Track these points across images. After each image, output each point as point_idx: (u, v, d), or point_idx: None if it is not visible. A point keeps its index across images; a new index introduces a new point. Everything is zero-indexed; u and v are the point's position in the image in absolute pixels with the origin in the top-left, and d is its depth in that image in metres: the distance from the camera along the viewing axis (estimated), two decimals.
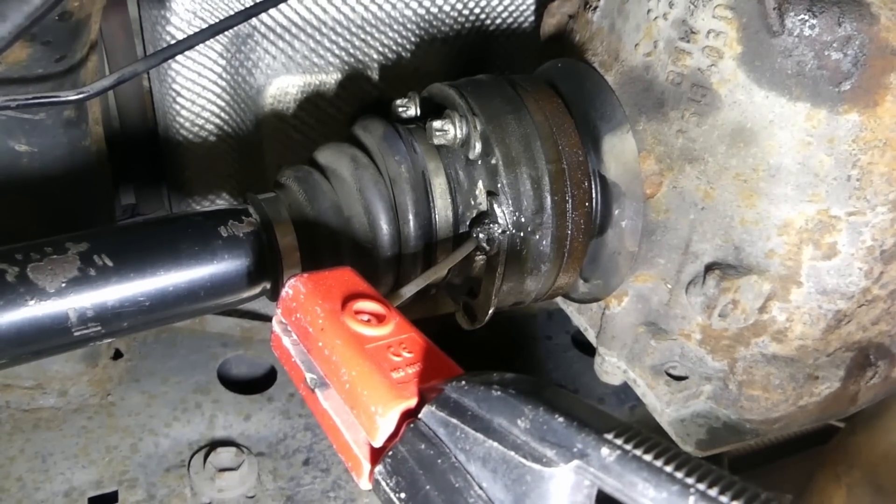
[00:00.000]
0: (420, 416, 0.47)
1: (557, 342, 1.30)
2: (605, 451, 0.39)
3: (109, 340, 0.79)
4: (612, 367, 0.92)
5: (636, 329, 0.88)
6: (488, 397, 0.44)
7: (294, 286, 0.56)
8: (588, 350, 1.27)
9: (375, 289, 0.79)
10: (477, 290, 0.83)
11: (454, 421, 0.45)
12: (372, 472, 0.49)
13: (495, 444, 0.43)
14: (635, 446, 0.39)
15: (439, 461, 0.44)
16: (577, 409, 0.43)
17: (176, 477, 0.99)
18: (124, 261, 0.66)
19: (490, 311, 0.81)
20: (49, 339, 0.64)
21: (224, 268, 0.71)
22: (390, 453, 0.47)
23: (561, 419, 0.42)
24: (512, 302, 0.85)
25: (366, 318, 0.55)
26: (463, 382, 0.46)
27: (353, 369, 0.50)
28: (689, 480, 0.37)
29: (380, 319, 0.55)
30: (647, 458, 0.39)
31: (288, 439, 1.05)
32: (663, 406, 0.87)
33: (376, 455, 0.49)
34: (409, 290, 0.71)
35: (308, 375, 0.55)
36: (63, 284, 0.63)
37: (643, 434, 0.40)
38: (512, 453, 0.42)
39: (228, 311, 1.15)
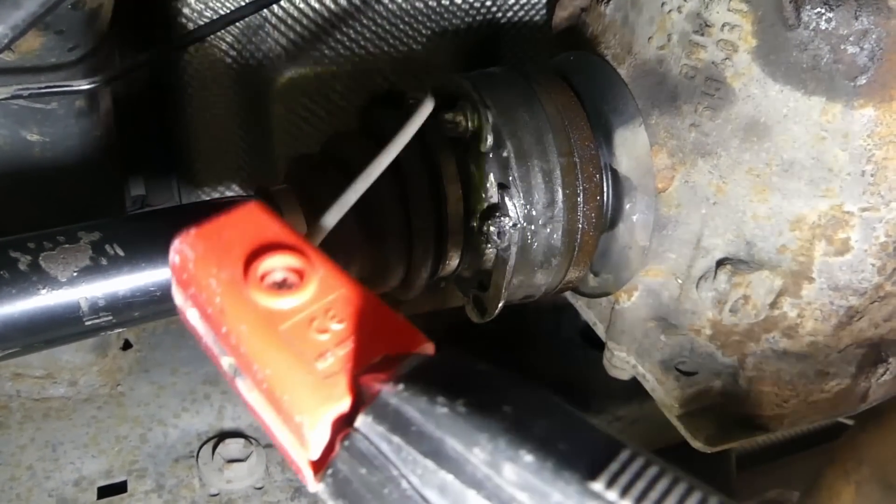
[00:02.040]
0: (356, 425, 0.36)
1: (566, 337, 1.30)
2: None
3: (120, 330, 0.80)
4: (621, 362, 0.92)
5: (646, 324, 0.87)
6: (433, 413, 0.34)
7: (180, 250, 0.43)
8: (597, 345, 1.27)
9: (386, 280, 0.79)
10: (487, 284, 0.83)
11: (396, 439, 0.35)
12: (316, 479, 0.39)
13: (450, 476, 0.33)
14: (637, 500, 0.30)
15: (386, 490, 0.35)
16: (552, 438, 0.32)
17: (185, 467, 0.99)
18: (136, 250, 0.67)
19: (500, 305, 0.81)
20: (60, 327, 0.64)
21: None
22: (330, 472, 0.37)
23: (530, 457, 0.31)
24: (522, 296, 0.85)
25: (280, 277, 0.42)
26: (402, 386, 0.36)
27: (266, 366, 0.39)
28: None
29: (299, 276, 0.42)
30: None
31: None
32: (672, 401, 0.87)
33: (316, 466, 0.39)
34: (332, 220, 0.56)
35: (224, 360, 0.43)
36: (75, 273, 0.64)
37: (648, 474, 0.30)
38: (473, 492, 0.32)
39: None
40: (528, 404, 0.35)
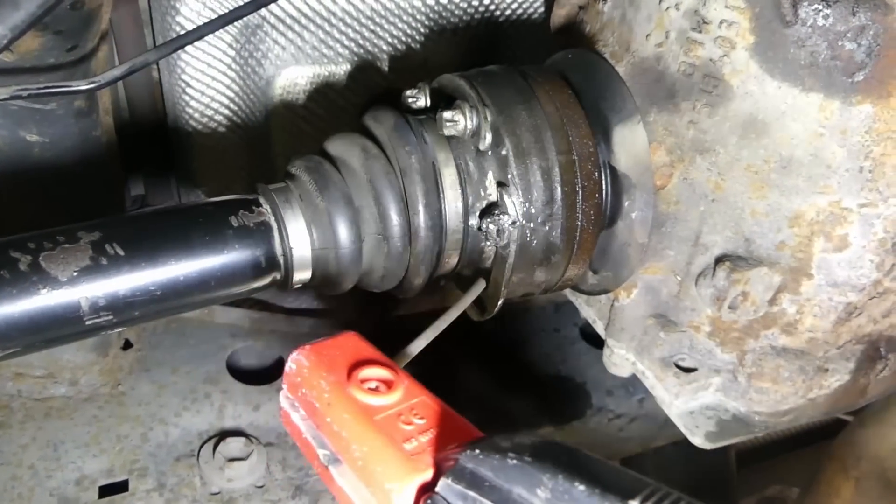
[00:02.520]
0: (437, 489, 0.45)
1: (566, 334, 1.30)
2: None
3: (120, 330, 0.80)
4: (620, 359, 0.92)
5: (645, 321, 0.88)
6: (504, 466, 0.43)
7: (297, 360, 0.55)
8: (596, 342, 1.27)
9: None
10: (486, 282, 0.83)
11: (472, 494, 0.44)
12: None
13: None
14: None
15: None
16: (598, 474, 0.41)
17: (186, 466, 1.00)
18: (136, 250, 0.67)
19: (500, 303, 0.81)
20: (61, 327, 0.64)
21: (234, 257, 0.71)
22: None
23: (582, 487, 0.40)
24: (521, 293, 0.85)
25: (373, 384, 0.53)
26: (477, 451, 0.45)
27: (364, 445, 0.49)
28: None
29: (388, 385, 0.54)
30: None
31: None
32: (672, 398, 0.87)
33: None
34: (415, 349, 0.69)
35: (321, 452, 0.54)
36: (75, 273, 0.64)
37: (671, 497, 0.39)
38: None
39: (238, 301, 1.16)
40: (578, 455, 0.44)
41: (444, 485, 0.45)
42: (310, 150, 0.84)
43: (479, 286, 0.77)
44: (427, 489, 0.46)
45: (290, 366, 0.56)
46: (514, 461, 0.43)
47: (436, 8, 1.06)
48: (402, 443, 0.49)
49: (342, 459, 0.51)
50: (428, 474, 0.47)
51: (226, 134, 1.06)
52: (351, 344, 0.57)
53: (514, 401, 1.19)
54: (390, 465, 0.48)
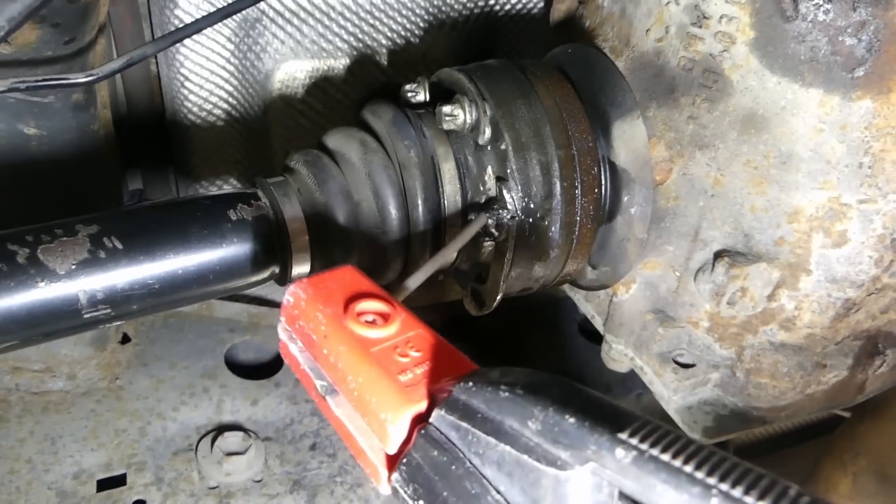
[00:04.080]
0: (431, 420, 0.46)
1: (564, 329, 1.30)
2: (620, 452, 0.38)
3: (118, 323, 0.80)
4: (619, 355, 0.92)
5: (644, 316, 0.88)
6: (496, 398, 0.43)
7: (294, 293, 0.55)
8: (595, 338, 1.27)
9: (385, 272, 0.80)
10: (485, 276, 0.83)
11: (465, 425, 0.44)
12: (389, 478, 0.49)
13: (508, 447, 0.42)
14: (652, 445, 0.38)
15: (454, 467, 0.44)
16: (588, 406, 0.41)
17: (184, 460, 1.00)
18: (134, 243, 0.67)
19: (498, 298, 0.81)
20: (59, 320, 0.64)
21: (233, 251, 0.71)
22: (405, 461, 0.46)
23: (572, 419, 0.40)
24: (520, 288, 0.85)
25: (370, 318, 0.53)
26: (471, 383, 0.45)
27: (359, 376, 0.49)
28: (711, 480, 0.36)
29: (385, 318, 0.53)
30: (665, 457, 0.37)
31: (295, 424, 1.05)
32: (670, 393, 0.87)
33: (392, 461, 0.49)
34: (414, 282, 0.69)
35: (318, 383, 0.54)
36: (73, 266, 0.64)
37: (661, 429, 0.39)
38: (525, 457, 0.41)
39: (236, 296, 1.16)
40: (570, 388, 0.44)
41: (437, 416, 0.45)
42: (308, 144, 0.84)
43: (480, 220, 0.76)
44: (421, 420, 0.47)
45: (287, 298, 0.55)
46: (506, 394, 0.43)
47: (435, 2, 1.05)
48: (397, 374, 0.49)
49: (339, 390, 0.51)
50: (422, 405, 0.47)
51: (224, 128, 1.06)
52: (349, 277, 0.57)
53: None
54: (385, 395, 0.48)
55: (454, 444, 0.44)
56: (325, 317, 0.53)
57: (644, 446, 0.38)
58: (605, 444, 0.39)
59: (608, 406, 0.42)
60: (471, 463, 0.43)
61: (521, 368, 0.47)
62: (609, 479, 0.38)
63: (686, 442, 0.38)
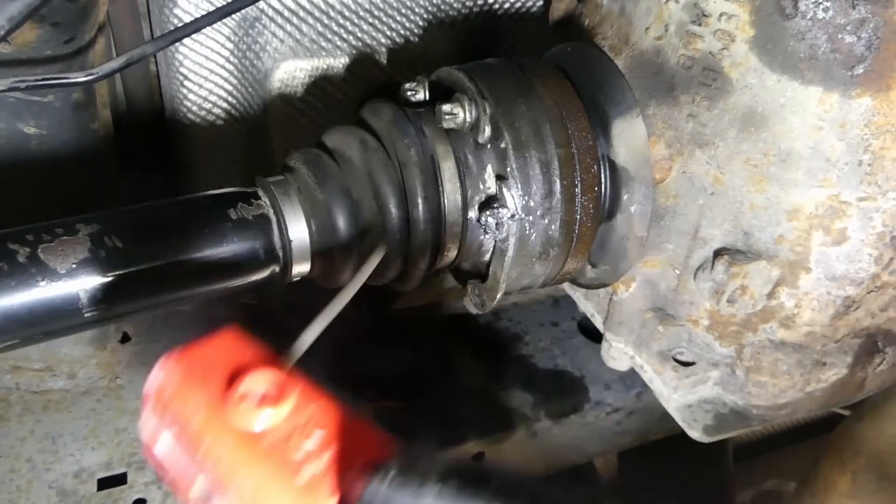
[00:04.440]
0: None
1: (564, 328, 1.30)
2: None
3: (118, 322, 0.80)
4: (618, 353, 0.92)
5: (644, 315, 0.88)
6: (426, 493, 0.38)
7: (161, 375, 0.46)
8: (594, 336, 1.27)
9: (384, 271, 0.79)
10: (485, 275, 0.83)
11: None
12: None
13: None
14: None
15: None
16: (533, 499, 0.37)
17: None
18: (134, 243, 0.67)
19: (498, 296, 0.81)
20: (59, 319, 0.64)
21: (233, 250, 0.71)
22: None
23: None
24: (520, 287, 0.85)
25: (258, 396, 0.44)
26: (393, 476, 0.40)
27: (249, 480, 0.41)
28: None
29: (277, 393, 0.45)
30: None
31: None
32: (670, 392, 0.87)
33: None
34: (303, 345, 0.60)
35: (196, 485, 0.44)
36: (73, 265, 0.64)
37: None
38: None
39: (236, 294, 1.15)
40: (510, 482, 0.38)
41: None
42: (308, 143, 0.84)
43: (380, 252, 0.72)
44: None
45: (154, 376, 0.46)
46: (436, 488, 0.38)
47: (434, 1, 1.05)
48: (296, 471, 0.41)
49: (222, 495, 0.43)
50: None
51: (224, 127, 1.06)
52: (230, 345, 0.48)
53: (511, 395, 1.20)
54: (283, 500, 0.41)
55: None
56: (202, 404, 0.44)
57: None
58: None
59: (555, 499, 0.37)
60: None
61: (446, 457, 0.41)
62: None
63: None
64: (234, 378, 0.45)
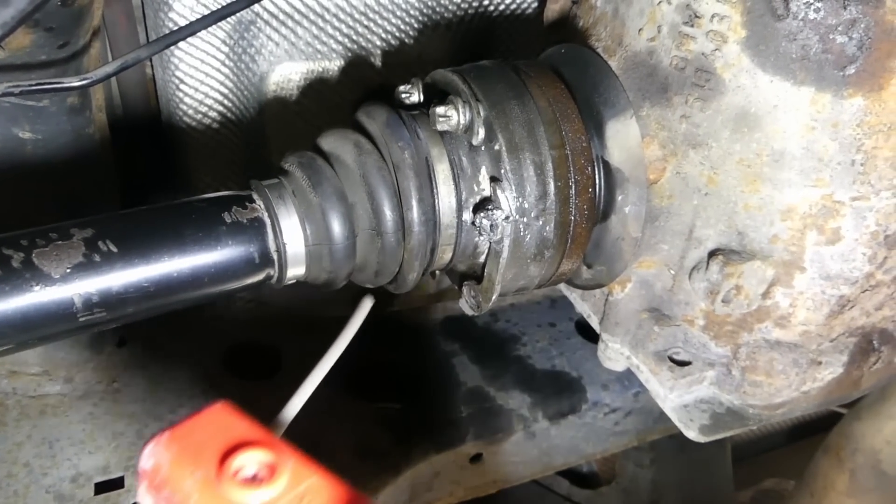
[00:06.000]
0: None
1: (561, 329, 1.30)
2: None
3: (114, 326, 0.80)
4: (615, 354, 0.92)
5: (639, 315, 0.88)
6: None
7: (154, 454, 0.46)
8: (591, 336, 1.28)
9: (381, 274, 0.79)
10: (481, 276, 0.83)
11: None
12: None
13: None
14: None
15: None
16: None
17: None
18: (129, 247, 0.67)
19: (494, 297, 0.82)
20: (54, 324, 0.64)
21: (228, 254, 0.71)
22: None
23: None
24: (515, 288, 0.85)
25: (252, 471, 0.45)
26: None
27: None
28: None
29: (271, 470, 0.45)
30: None
31: (293, 425, 1.06)
32: (666, 392, 0.87)
33: None
34: (290, 413, 0.60)
35: None
36: (68, 270, 0.64)
37: None
38: None
39: (232, 297, 1.16)
40: None
41: None
42: (304, 146, 0.84)
43: (367, 304, 0.71)
44: None
45: (146, 460, 0.46)
46: None
47: (429, 3, 1.06)
48: None
49: None
50: None
51: (219, 130, 1.06)
52: (219, 421, 0.48)
53: (509, 395, 1.20)
54: None
55: None
56: (195, 483, 0.44)
57: None
58: None
59: None
60: None
61: None
62: None
63: None
64: (226, 455, 0.46)
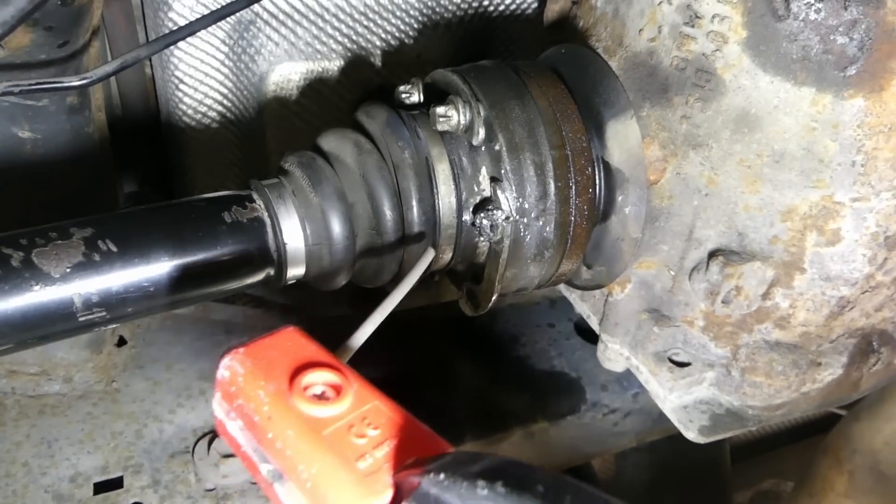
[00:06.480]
0: None
1: (560, 329, 1.30)
2: None
3: (114, 326, 0.80)
4: (615, 354, 0.92)
5: (639, 316, 0.88)
6: (474, 496, 0.39)
7: (230, 366, 0.49)
8: (591, 337, 1.27)
9: (380, 274, 0.79)
10: (480, 277, 0.83)
11: None
12: None
13: None
14: None
15: None
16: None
17: (180, 463, 0.99)
18: (128, 246, 0.67)
19: (493, 298, 0.81)
20: (54, 323, 0.64)
21: (227, 253, 0.71)
22: None
23: None
24: (515, 288, 0.85)
25: (319, 390, 0.47)
26: (442, 476, 0.40)
27: (312, 465, 0.44)
28: None
29: (336, 390, 0.47)
30: None
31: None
32: (666, 393, 0.87)
33: None
34: (358, 340, 0.62)
35: (263, 467, 0.47)
36: (68, 269, 0.64)
37: None
38: None
39: (233, 297, 1.16)
40: (556, 485, 0.39)
41: None
42: (303, 146, 0.84)
43: (427, 257, 0.74)
44: None
45: (222, 372, 0.49)
46: (485, 491, 0.38)
47: (429, 3, 1.06)
48: (355, 461, 0.43)
49: (288, 478, 0.45)
50: (386, 497, 0.42)
51: (219, 130, 1.06)
52: (291, 342, 0.50)
53: (508, 396, 1.19)
54: (343, 488, 0.43)
55: None
56: (267, 395, 0.47)
57: None
58: None
59: (600, 501, 0.38)
60: None
61: (496, 457, 0.42)
62: None
63: None
64: (296, 372, 0.48)
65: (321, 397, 0.47)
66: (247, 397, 0.47)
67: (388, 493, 0.43)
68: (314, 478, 0.44)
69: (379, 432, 0.46)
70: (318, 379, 0.48)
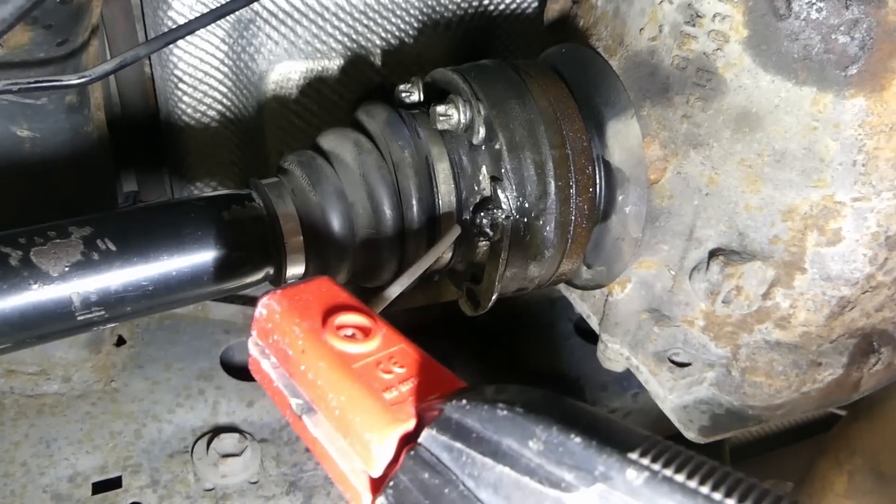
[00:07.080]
0: (420, 440, 0.43)
1: (560, 329, 1.30)
2: (630, 472, 0.36)
3: (113, 325, 0.79)
4: (614, 354, 0.92)
5: (639, 316, 0.88)
6: (493, 417, 0.40)
7: (267, 305, 0.52)
8: (591, 337, 1.27)
9: (380, 273, 0.80)
10: (480, 277, 0.83)
11: (458, 445, 0.41)
12: (373, 502, 0.45)
13: (507, 469, 0.39)
14: (665, 465, 0.36)
15: (446, 490, 0.40)
16: (595, 425, 0.39)
17: (179, 463, 0.99)
18: (127, 245, 0.66)
19: (493, 298, 0.81)
20: (53, 323, 0.64)
21: (227, 252, 0.71)
22: (391, 483, 0.43)
23: (578, 438, 0.38)
24: (515, 288, 0.85)
25: (350, 332, 0.50)
26: (464, 401, 0.42)
27: (341, 394, 0.46)
28: (730, 502, 0.34)
29: (365, 332, 0.51)
30: (680, 478, 0.35)
31: (291, 426, 1.05)
32: (666, 393, 0.87)
33: (376, 484, 0.45)
34: (393, 292, 0.66)
35: (293, 401, 0.51)
36: (66, 268, 0.63)
37: (672, 449, 0.37)
38: (526, 479, 0.38)
39: (231, 297, 1.15)
40: (573, 407, 0.41)
41: (427, 436, 0.42)
42: (303, 145, 0.84)
43: (455, 231, 0.76)
44: (408, 440, 0.44)
45: (260, 311, 0.53)
46: (504, 412, 0.40)
47: (429, 2, 1.05)
48: (381, 392, 0.46)
49: (317, 409, 0.48)
50: (410, 424, 0.44)
51: (219, 129, 1.06)
52: (325, 289, 0.54)
53: None
54: (370, 414, 0.45)
55: (446, 466, 0.41)
56: (302, 331, 0.50)
57: (657, 466, 0.36)
58: (615, 465, 0.36)
59: (616, 425, 0.39)
60: (464, 486, 0.40)
61: (516, 385, 0.44)
62: (619, 501, 0.36)
63: (700, 462, 0.36)
64: (329, 314, 0.51)
65: (351, 337, 0.50)
66: (282, 333, 0.51)
67: (412, 422, 0.45)
68: (343, 405, 0.46)
69: (405, 370, 0.48)
70: (350, 321, 0.51)
